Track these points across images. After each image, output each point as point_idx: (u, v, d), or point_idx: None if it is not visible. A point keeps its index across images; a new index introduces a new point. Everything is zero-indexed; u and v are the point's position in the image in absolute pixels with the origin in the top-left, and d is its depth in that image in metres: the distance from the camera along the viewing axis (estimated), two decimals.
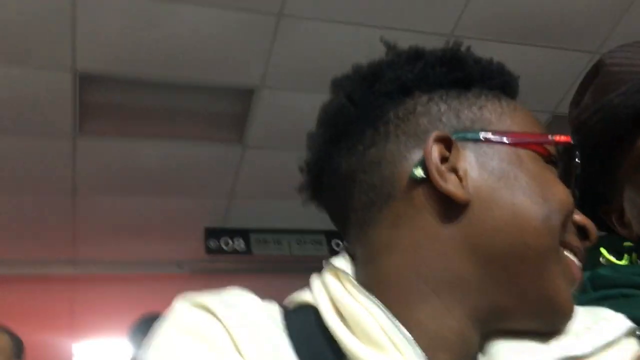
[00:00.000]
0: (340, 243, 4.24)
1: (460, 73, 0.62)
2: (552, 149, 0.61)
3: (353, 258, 0.61)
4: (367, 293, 0.55)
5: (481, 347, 0.58)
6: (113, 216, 3.82)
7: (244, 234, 4.17)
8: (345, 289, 0.56)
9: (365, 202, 0.59)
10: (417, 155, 0.58)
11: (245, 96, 3.19)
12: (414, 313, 0.55)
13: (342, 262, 0.61)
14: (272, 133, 3.39)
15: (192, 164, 3.55)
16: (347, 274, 0.58)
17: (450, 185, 0.56)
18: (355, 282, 0.56)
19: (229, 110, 3.31)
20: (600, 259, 0.87)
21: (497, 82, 0.63)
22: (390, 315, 0.53)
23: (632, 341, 0.60)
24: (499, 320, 0.57)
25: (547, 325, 0.57)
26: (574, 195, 0.59)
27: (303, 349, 0.54)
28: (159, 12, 2.67)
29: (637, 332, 0.61)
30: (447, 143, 0.58)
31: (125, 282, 4.23)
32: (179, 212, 3.91)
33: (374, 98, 0.61)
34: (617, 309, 0.63)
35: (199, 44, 2.86)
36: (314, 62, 2.92)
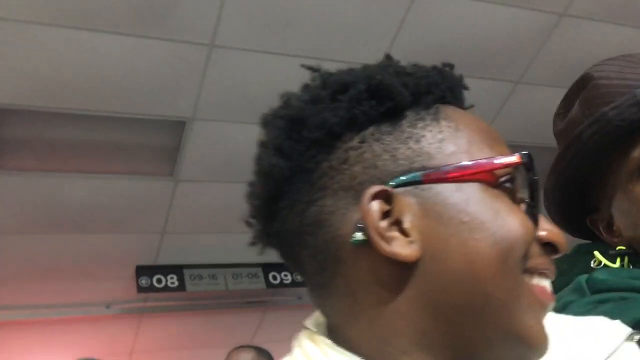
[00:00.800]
0: (278, 275, 4.18)
1: (389, 102, 0.55)
2: (508, 172, 0.55)
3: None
4: (344, 351, 0.53)
5: None
6: (35, 257, 3.62)
7: (177, 270, 4.05)
8: (323, 352, 0.54)
9: (316, 268, 0.55)
10: (356, 213, 0.53)
11: (176, 128, 3.12)
12: None
13: (314, 323, 0.58)
14: (204, 165, 3.32)
15: (120, 199, 3.43)
16: (322, 337, 0.55)
17: (395, 246, 0.51)
18: (330, 343, 0.54)
19: (159, 143, 3.22)
20: (592, 262, 0.89)
21: (435, 97, 0.57)
22: None
23: (632, 344, 0.59)
24: None
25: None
26: (534, 212, 0.55)
27: None
28: (84, 42, 2.58)
29: (636, 336, 0.61)
30: (386, 195, 0.53)
31: (51, 327, 4.02)
32: (108, 251, 3.76)
33: (304, 148, 0.55)
34: (617, 311, 0.64)
35: (128, 75, 2.77)
36: (246, 92, 2.89)
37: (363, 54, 2.85)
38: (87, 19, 2.51)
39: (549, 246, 0.55)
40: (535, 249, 0.55)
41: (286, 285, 4.11)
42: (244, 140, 3.22)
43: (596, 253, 0.88)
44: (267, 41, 2.73)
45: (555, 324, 0.59)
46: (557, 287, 0.63)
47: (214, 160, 3.26)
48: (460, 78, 0.60)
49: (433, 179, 0.53)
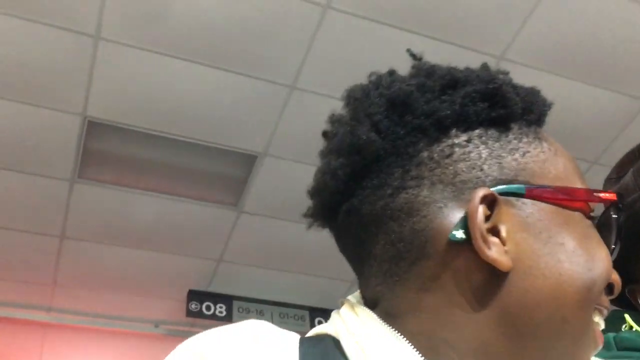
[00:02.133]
0: (323, 320, 4.15)
1: (502, 110, 0.55)
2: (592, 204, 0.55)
3: (365, 299, 0.57)
4: (389, 328, 0.52)
5: None
6: (97, 265, 3.76)
7: (226, 300, 4.09)
8: (363, 323, 0.53)
9: (392, 255, 0.53)
10: (454, 209, 0.52)
11: (247, 161, 3.22)
12: None
13: (355, 298, 0.58)
14: (269, 201, 3.40)
15: (184, 222, 3.53)
16: (365, 309, 0.54)
17: (495, 252, 0.50)
18: (372, 314, 0.53)
19: (229, 173, 3.33)
20: (624, 327, 0.89)
21: (535, 116, 0.57)
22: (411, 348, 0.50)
23: None
24: None
25: None
26: (611, 253, 0.55)
27: None
28: (176, 69, 2.74)
29: None
30: (491, 200, 0.51)
31: (99, 336, 4.11)
32: (165, 270, 3.85)
33: (405, 133, 0.54)
34: None
35: (210, 105, 2.91)
36: (319, 135, 2.95)
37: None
38: (181, 48, 2.66)
39: (608, 287, 0.55)
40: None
41: None
42: (309, 182, 3.27)
43: (627, 317, 0.89)
44: (344, 89, 2.81)
45: None
46: None
47: (279, 198, 3.33)
48: (551, 105, 0.60)
49: (536, 195, 0.52)
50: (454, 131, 0.54)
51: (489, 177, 0.53)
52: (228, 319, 4.03)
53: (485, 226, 0.51)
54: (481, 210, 0.50)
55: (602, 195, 0.56)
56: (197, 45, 2.66)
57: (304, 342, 0.54)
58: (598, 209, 0.57)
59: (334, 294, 3.93)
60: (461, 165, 0.53)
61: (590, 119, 3.03)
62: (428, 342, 0.51)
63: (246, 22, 2.58)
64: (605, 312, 0.57)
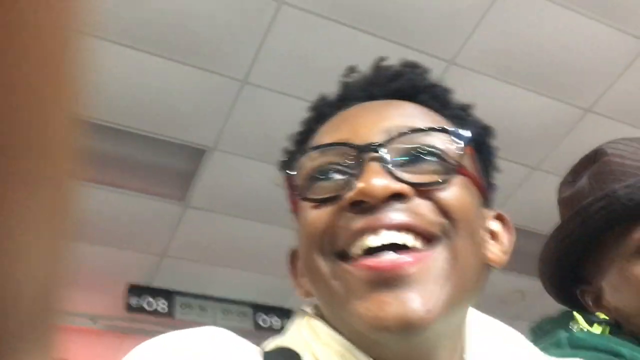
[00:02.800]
0: (266, 317, 4.13)
1: None
2: (296, 178, 0.61)
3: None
4: (336, 335, 0.56)
5: None
6: None
7: (168, 295, 4.02)
8: (316, 334, 0.58)
9: None
10: None
11: (196, 155, 3.17)
12: None
13: (307, 307, 0.62)
14: (216, 196, 3.36)
15: (129, 215, 3.45)
16: (315, 317, 0.59)
17: None
18: (321, 324, 0.58)
19: (176, 166, 3.27)
20: (571, 323, 0.91)
21: None
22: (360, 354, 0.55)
23: None
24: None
25: (390, 341, 0.55)
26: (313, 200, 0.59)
27: None
28: (125, 59, 2.67)
29: None
30: None
31: None
32: (104, 264, 3.75)
33: None
34: None
35: (159, 96, 2.85)
36: (270, 132, 2.94)
37: None
38: (130, 38, 2.60)
39: (361, 203, 0.55)
40: (344, 221, 0.56)
41: (275, 330, 4.07)
42: (259, 179, 3.27)
43: (579, 317, 0.92)
44: (296, 86, 2.81)
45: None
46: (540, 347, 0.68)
47: (227, 193, 3.29)
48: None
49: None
50: None
51: None
52: (170, 315, 3.97)
53: None
54: None
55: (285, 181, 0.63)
56: (148, 35, 2.60)
57: (267, 356, 0.57)
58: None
59: (277, 292, 3.92)
60: None
61: (533, 125, 3.11)
62: None
63: (199, 14, 2.54)
64: (365, 230, 0.55)
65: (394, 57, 0.71)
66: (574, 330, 0.90)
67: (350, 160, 0.57)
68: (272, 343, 0.61)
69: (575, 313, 0.92)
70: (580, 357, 0.68)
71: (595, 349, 0.83)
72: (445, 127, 0.61)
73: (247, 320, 4.12)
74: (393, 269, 0.53)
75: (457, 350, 0.60)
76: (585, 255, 0.97)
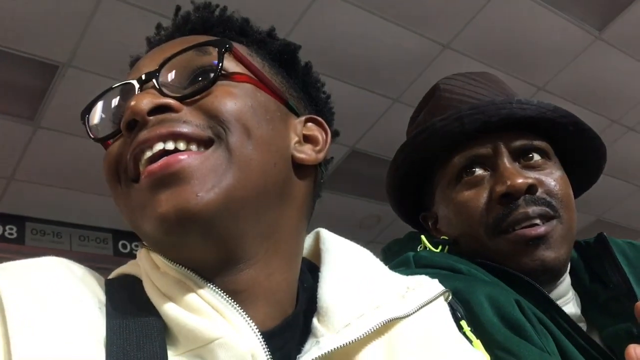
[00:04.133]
0: (128, 245, 4.05)
1: None
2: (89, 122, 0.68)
3: None
4: (172, 265, 0.60)
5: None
6: None
7: (18, 221, 3.79)
8: (154, 263, 0.62)
9: None
10: None
11: (47, 71, 2.93)
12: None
13: None
14: (70, 117, 3.15)
15: None
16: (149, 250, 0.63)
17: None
18: (159, 255, 0.61)
19: (27, 83, 3.01)
20: (419, 247, 0.99)
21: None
22: (205, 282, 0.58)
23: (442, 300, 0.70)
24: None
25: (182, 237, 0.59)
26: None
27: (121, 309, 0.57)
28: None
29: (447, 294, 0.72)
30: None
31: None
32: None
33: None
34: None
35: (8, 7, 2.57)
36: (126, 49, 2.78)
37: None
38: None
39: (130, 125, 0.61)
40: (125, 147, 0.62)
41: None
42: None
43: (423, 238, 0.99)
44: (154, 1, 2.66)
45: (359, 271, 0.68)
46: (389, 265, 0.74)
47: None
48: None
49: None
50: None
51: None
52: (20, 241, 3.76)
53: None
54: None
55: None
56: None
57: (108, 282, 0.62)
58: None
59: None
60: None
61: (395, 58, 3.21)
62: None
63: None
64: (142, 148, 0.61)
65: None
66: (419, 250, 0.97)
67: (132, 94, 0.63)
68: (115, 272, 0.66)
69: (422, 236, 0.99)
70: (424, 274, 0.74)
71: (437, 266, 0.89)
72: (201, 42, 0.65)
73: (107, 247, 4.01)
74: (164, 167, 0.57)
75: (286, 269, 0.64)
76: (420, 185, 1.05)
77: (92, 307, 0.56)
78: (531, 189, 0.92)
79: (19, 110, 3.11)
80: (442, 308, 0.69)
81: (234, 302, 0.57)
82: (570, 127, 0.98)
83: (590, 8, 3.09)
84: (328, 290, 0.63)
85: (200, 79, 0.63)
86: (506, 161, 0.94)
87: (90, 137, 0.66)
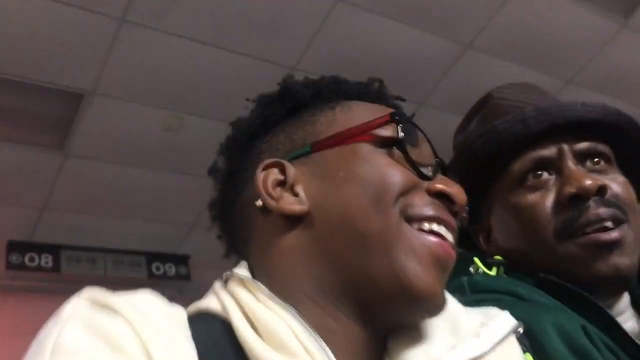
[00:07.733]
0: (161, 266, 4.06)
1: (291, 102, 0.69)
2: (386, 132, 0.63)
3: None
4: (280, 301, 0.57)
5: (388, 350, 0.60)
6: None
7: (53, 250, 3.83)
8: (257, 298, 0.58)
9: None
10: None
11: (73, 100, 2.96)
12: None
13: (245, 272, 0.62)
14: (97, 143, 3.18)
15: (3, 168, 3.20)
16: (257, 282, 0.59)
17: (282, 203, 0.60)
18: (267, 290, 0.58)
19: (53, 113, 3.05)
20: (471, 267, 0.93)
21: (333, 94, 0.69)
22: (303, 322, 0.55)
23: (513, 335, 0.66)
24: (370, 311, 0.59)
25: (412, 311, 0.59)
26: (411, 160, 0.62)
27: (211, 357, 0.54)
28: None
29: (519, 329, 0.67)
30: (280, 167, 0.63)
31: None
32: None
33: (241, 150, 0.69)
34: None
35: (30, 38, 2.61)
36: (151, 74, 2.80)
37: (278, 55, 2.86)
38: None
39: (443, 198, 0.62)
40: (423, 199, 0.61)
41: (169, 278, 4.01)
42: (141, 122, 3.12)
43: (476, 260, 0.94)
44: (180, 25, 2.67)
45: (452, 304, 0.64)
46: None
47: (108, 139, 3.12)
48: (356, 84, 0.72)
49: (319, 147, 0.63)
50: (264, 136, 0.69)
51: (283, 152, 0.65)
52: (56, 269, 3.81)
53: (278, 188, 0.62)
54: (264, 175, 0.63)
55: (377, 120, 0.63)
56: None
57: (193, 322, 0.58)
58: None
59: (170, 239, 3.84)
60: (265, 155, 0.66)
61: (417, 63, 3.18)
62: (278, 290, 0.58)
63: None
64: (445, 220, 0.61)
65: None
66: (473, 274, 0.92)
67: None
68: (199, 307, 0.62)
69: (475, 258, 0.94)
70: (482, 301, 0.71)
71: (495, 291, 0.85)
72: None
73: (141, 270, 4.02)
74: (451, 255, 0.62)
75: None
76: (474, 194, 1.00)
77: (188, 347, 0.54)
78: (601, 190, 0.88)
79: (47, 140, 3.15)
80: (513, 343, 0.66)
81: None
82: (632, 132, 0.95)
83: None
84: (399, 337, 0.61)
85: None
86: (572, 164, 0.91)
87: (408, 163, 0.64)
